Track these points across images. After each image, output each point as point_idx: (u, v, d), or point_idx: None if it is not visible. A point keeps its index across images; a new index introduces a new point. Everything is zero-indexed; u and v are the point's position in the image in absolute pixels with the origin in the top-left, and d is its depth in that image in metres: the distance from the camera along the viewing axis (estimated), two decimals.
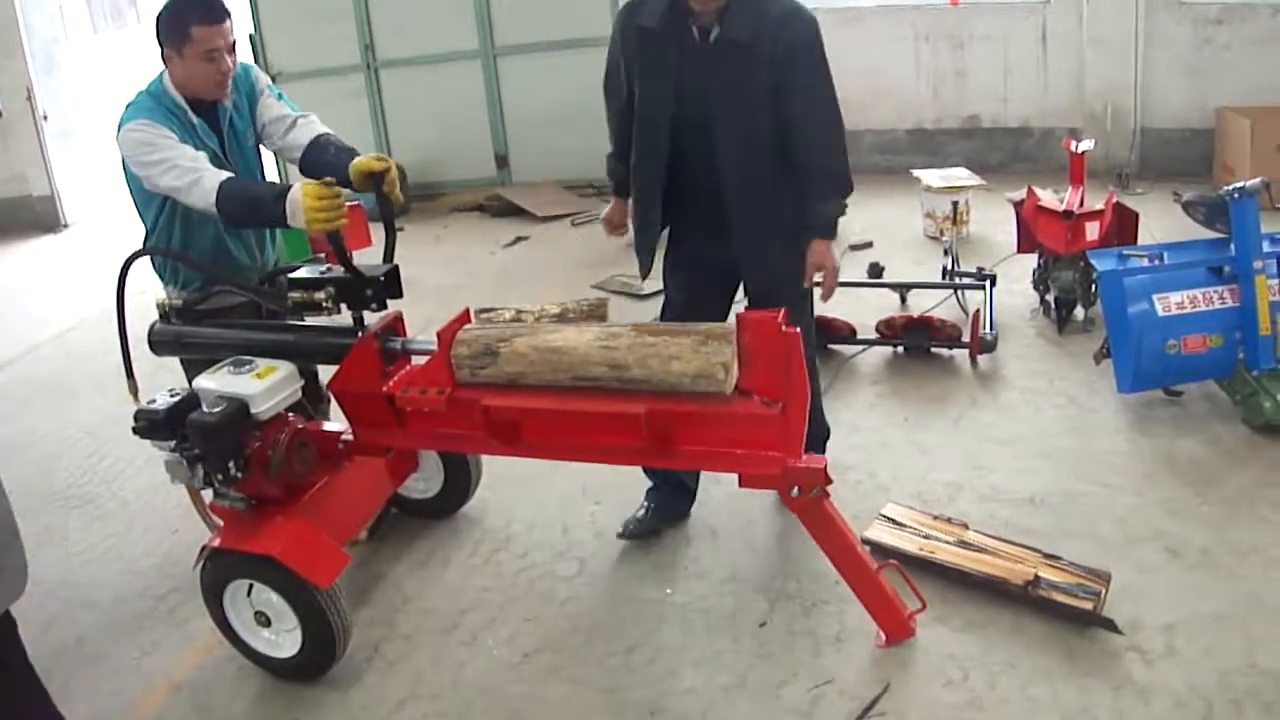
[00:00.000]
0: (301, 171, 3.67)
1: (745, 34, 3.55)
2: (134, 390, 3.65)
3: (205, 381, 3.42)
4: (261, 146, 3.95)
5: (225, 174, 3.46)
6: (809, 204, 3.73)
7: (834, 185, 3.74)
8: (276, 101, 3.90)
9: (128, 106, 3.62)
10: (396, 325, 3.63)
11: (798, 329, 3.08)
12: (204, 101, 3.68)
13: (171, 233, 3.76)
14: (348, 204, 3.44)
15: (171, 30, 3.53)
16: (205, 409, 3.31)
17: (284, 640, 3.55)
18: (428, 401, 3.32)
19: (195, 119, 3.66)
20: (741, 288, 4.05)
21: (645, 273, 4.05)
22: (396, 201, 3.53)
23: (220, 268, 3.78)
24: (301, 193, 3.26)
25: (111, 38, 13.02)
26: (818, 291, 3.85)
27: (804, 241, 3.75)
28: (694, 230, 3.94)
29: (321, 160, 3.63)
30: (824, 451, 4.23)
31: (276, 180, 3.41)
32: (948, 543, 3.84)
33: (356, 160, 3.48)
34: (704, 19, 3.60)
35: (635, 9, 3.77)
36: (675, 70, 3.68)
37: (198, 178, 3.41)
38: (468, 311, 3.54)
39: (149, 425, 3.37)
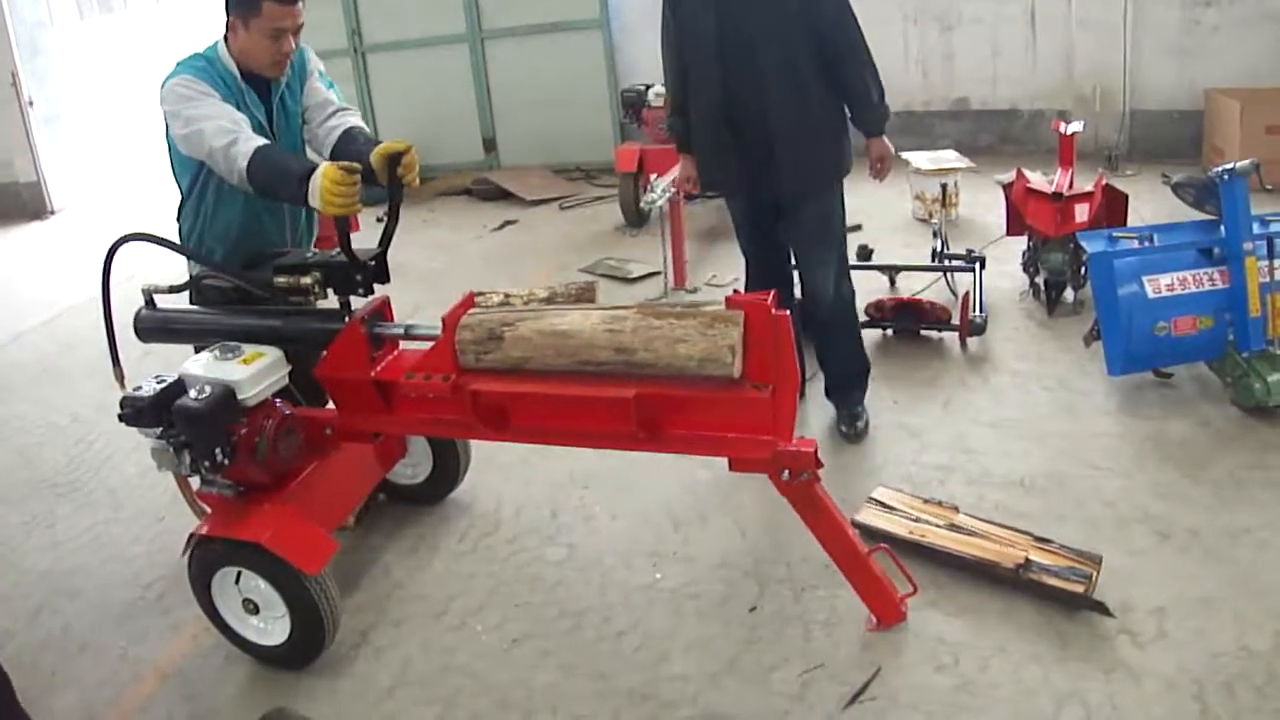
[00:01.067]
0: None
1: None
2: (120, 377, 3.62)
3: (191, 367, 3.40)
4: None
5: (262, 140, 3.45)
6: (861, 113, 4.48)
7: (875, 94, 4.40)
8: (325, 88, 3.93)
9: (177, 64, 3.62)
10: (384, 310, 3.61)
11: (787, 311, 3.06)
12: (257, 75, 3.70)
13: (203, 200, 3.77)
14: None
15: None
16: (191, 395, 3.28)
17: (272, 628, 3.53)
18: (431, 388, 3.30)
19: (245, 87, 3.68)
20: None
21: (731, 192, 4.75)
22: (411, 186, 3.50)
23: (196, 251, 3.80)
24: (321, 174, 3.24)
25: (98, 23, 12.92)
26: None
27: (866, 141, 4.55)
28: (748, 177, 4.47)
29: (349, 151, 3.63)
30: (866, 386, 4.87)
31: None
32: (938, 526, 3.83)
33: (379, 146, 3.45)
34: None
35: None
36: (714, 5, 4.24)
37: (234, 139, 3.40)
38: (471, 296, 3.50)
39: (135, 412, 3.33)
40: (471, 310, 3.38)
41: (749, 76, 4.28)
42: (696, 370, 3.01)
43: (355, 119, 3.86)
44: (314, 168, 3.28)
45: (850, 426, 4.74)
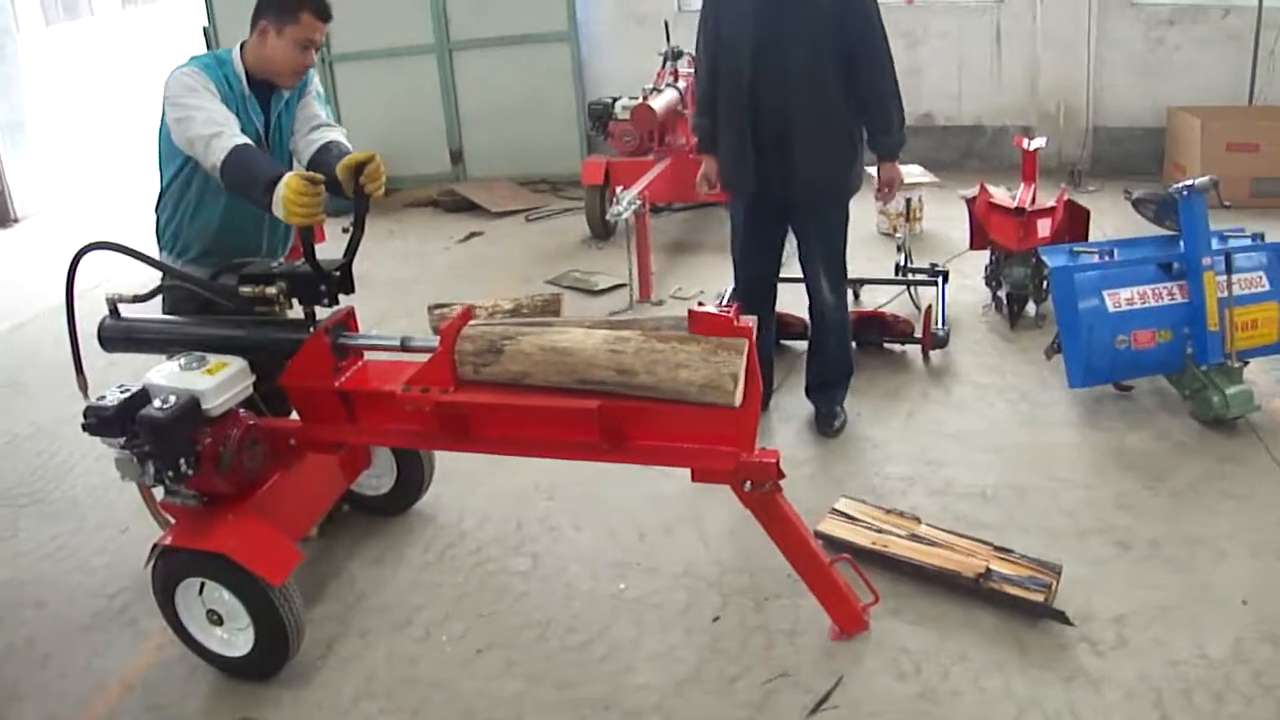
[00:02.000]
0: None
1: None
2: (83, 386, 3.59)
3: (155, 377, 3.39)
4: None
5: (244, 140, 3.49)
6: (876, 134, 4.59)
7: (894, 118, 4.55)
8: (318, 104, 3.98)
9: (190, 58, 3.72)
10: (348, 321, 3.61)
11: (751, 323, 3.08)
12: (263, 85, 3.77)
13: (186, 194, 3.82)
14: None
15: (283, 7, 3.63)
16: (155, 405, 3.26)
17: (237, 639, 3.51)
18: (429, 401, 3.29)
19: (249, 94, 3.75)
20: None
21: (746, 194, 4.67)
22: (375, 197, 3.50)
23: (160, 262, 3.79)
24: (284, 184, 3.24)
25: (64, 30, 12.85)
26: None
27: (877, 163, 4.72)
28: (763, 176, 4.54)
29: (322, 162, 3.66)
30: (847, 387, 4.96)
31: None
32: (900, 536, 3.86)
33: (344, 157, 3.47)
34: None
35: None
36: (753, 6, 4.37)
37: (219, 132, 3.45)
38: (469, 309, 3.49)
39: (98, 422, 3.31)
40: (473, 322, 3.37)
41: (776, 77, 4.39)
42: (697, 396, 2.99)
43: (337, 134, 3.88)
44: (279, 177, 3.28)
45: (828, 425, 4.84)
